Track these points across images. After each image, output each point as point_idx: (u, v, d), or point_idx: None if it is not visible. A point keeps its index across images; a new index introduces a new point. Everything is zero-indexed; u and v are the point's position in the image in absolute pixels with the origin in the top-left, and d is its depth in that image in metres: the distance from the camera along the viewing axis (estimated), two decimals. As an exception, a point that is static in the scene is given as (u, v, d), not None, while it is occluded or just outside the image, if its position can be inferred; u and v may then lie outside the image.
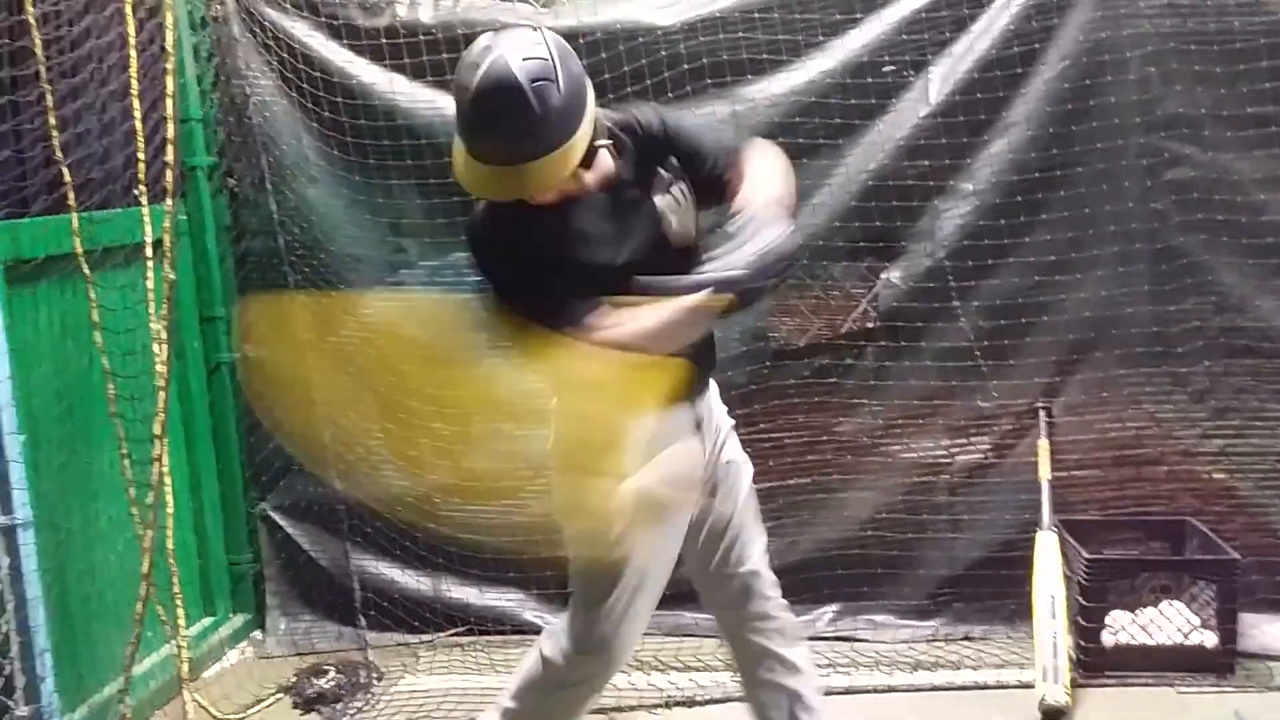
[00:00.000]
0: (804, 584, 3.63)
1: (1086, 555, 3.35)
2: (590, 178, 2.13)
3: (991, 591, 3.61)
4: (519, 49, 2.00)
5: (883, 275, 3.65)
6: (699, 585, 2.54)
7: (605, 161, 2.17)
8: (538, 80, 1.97)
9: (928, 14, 3.49)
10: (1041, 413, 3.54)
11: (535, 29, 2.08)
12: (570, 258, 2.18)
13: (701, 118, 2.32)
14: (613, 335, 2.10)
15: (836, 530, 3.72)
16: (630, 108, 2.30)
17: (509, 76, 1.97)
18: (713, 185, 2.24)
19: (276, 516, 4.05)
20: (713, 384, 2.46)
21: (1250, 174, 3.38)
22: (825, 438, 3.72)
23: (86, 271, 3.35)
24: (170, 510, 3.55)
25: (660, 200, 2.22)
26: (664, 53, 3.60)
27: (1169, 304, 3.47)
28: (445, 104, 3.70)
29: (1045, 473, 3.46)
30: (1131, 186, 3.45)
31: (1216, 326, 3.45)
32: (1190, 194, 3.42)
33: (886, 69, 3.55)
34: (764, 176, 2.21)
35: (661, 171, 2.23)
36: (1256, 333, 3.42)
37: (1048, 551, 3.36)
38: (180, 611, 3.61)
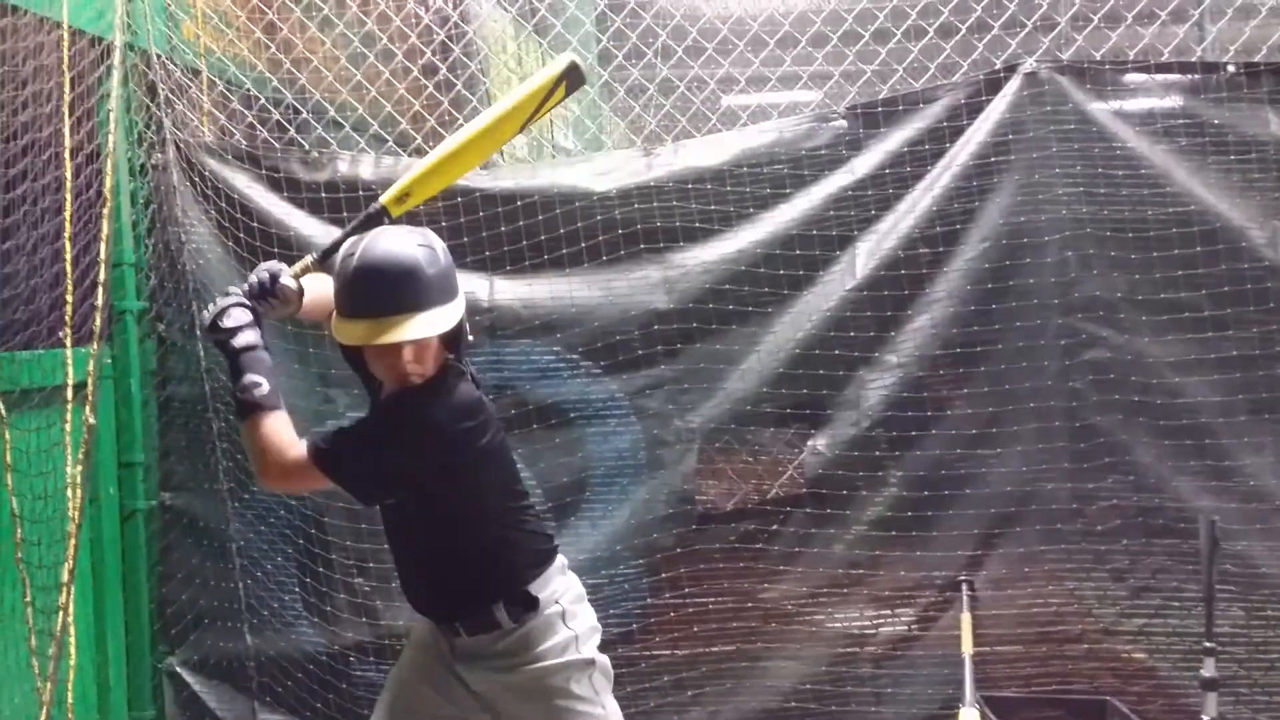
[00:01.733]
0: (726, 755, 3.61)
1: (1009, 734, 3.36)
2: (418, 366, 2.42)
3: (915, 767, 3.59)
4: (399, 237, 2.43)
5: (809, 443, 3.71)
6: None
7: (429, 361, 2.45)
8: (412, 256, 2.38)
9: (854, 192, 3.64)
10: (964, 586, 3.57)
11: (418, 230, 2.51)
12: None
13: (369, 438, 2.49)
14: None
15: (759, 700, 3.71)
16: (459, 397, 2.48)
17: (395, 246, 2.39)
18: None
19: (183, 671, 3.98)
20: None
21: (1164, 357, 3.51)
22: (750, 604, 3.73)
23: (2, 411, 3.33)
24: (73, 662, 3.47)
25: None
26: (599, 217, 3.73)
27: (1088, 481, 3.55)
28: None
29: (967, 647, 3.48)
30: (1050, 365, 3.57)
31: (1135, 505, 3.54)
32: (1107, 374, 3.54)
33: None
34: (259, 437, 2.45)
35: None
36: (1173, 513, 3.50)
37: (970, 728, 3.36)
38: (74, 773, 3.49)
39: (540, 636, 2.50)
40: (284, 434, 2.41)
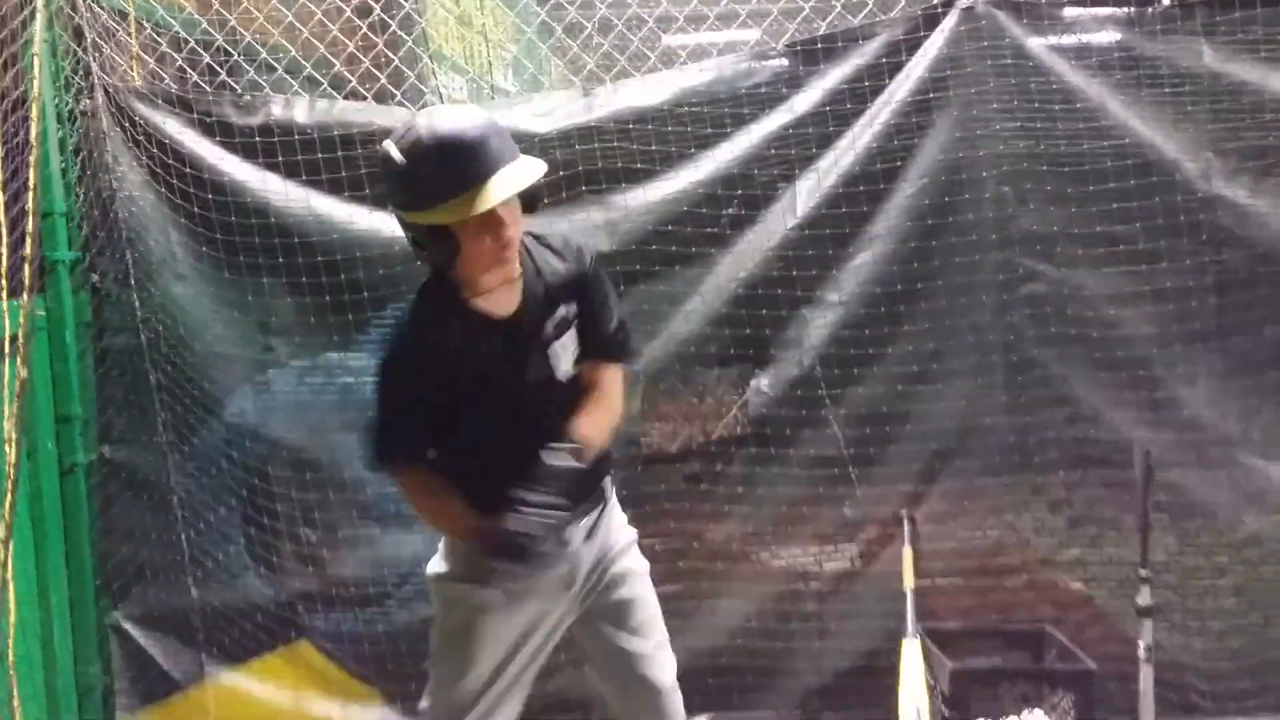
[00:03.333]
0: (673, 694, 3.67)
1: (950, 664, 3.45)
2: (516, 231, 2.35)
3: (859, 700, 3.69)
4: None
5: (753, 382, 3.77)
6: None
7: (521, 226, 2.39)
8: (480, 117, 2.35)
9: (794, 130, 3.66)
10: (905, 521, 3.65)
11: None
12: (470, 384, 2.43)
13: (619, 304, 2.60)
14: (404, 491, 2.55)
15: (706, 639, 3.77)
16: (574, 234, 2.59)
17: (456, 111, 2.37)
18: (580, 352, 2.52)
19: (128, 626, 3.97)
20: (612, 501, 2.68)
21: (1100, 290, 3.59)
22: (696, 544, 3.80)
23: (-66, 367, 3.32)
24: (13, 619, 3.48)
25: (556, 343, 2.48)
26: (541, 159, 3.71)
27: (1026, 415, 3.64)
28: (318, 204, 3.80)
29: (909, 581, 3.57)
30: (988, 300, 3.64)
31: (1071, 438, 3.63)
32: (1044, 309, 3.62)
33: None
34: (604, 414, 2.51)
35: (563, 310, 2.48)
36: (1109, 445, 3.60)
37: (912, 660, 3.45)
38: (19, 726, 3.51)
39: (618, 507, 2.75)
40: (610, 388, 2.57)
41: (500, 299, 2.42)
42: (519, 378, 2.45)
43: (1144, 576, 3.29)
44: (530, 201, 2.39)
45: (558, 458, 2.32)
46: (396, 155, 2.31)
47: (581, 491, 2.49)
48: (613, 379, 2.57)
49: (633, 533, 2.73)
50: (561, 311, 2.48)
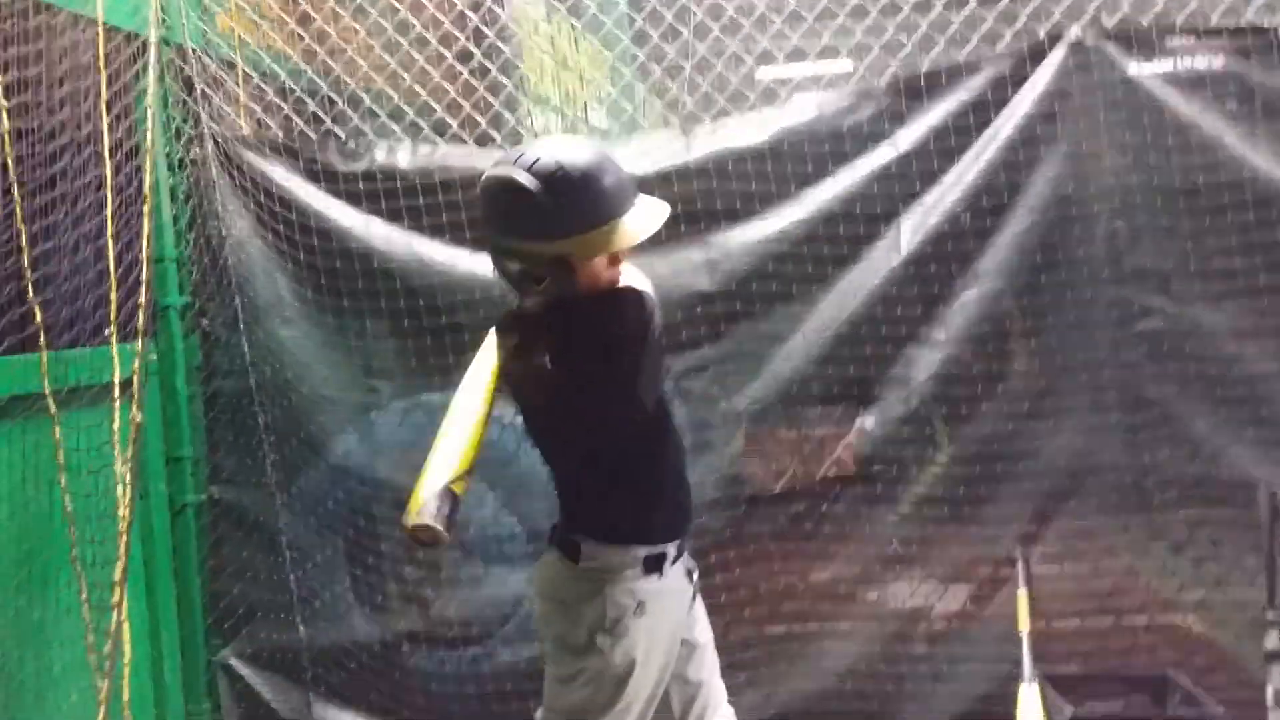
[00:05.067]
0: (781, 737, 3.64)
1: (1070, 710, 3.36)
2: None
3: (974, 746, 3.61)
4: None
5: (858, 421, 3.72)
6: None
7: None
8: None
9: (897, 166, 3.63)
10: (1020, 562, 3.58)
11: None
12: None
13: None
14: None
15: (814, 681, 3.74)
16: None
17: (583, 143, 2.52)
18: None
19: (237, 665, 4.04)
20: None
21: (1218, 326, 3.50)
22: (801, 585, 3.76)
23: (53, 411, 3.39)
24: (127, 659, 3.53)
25: None
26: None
27: (1143, 454, 3.56)
28: (420, 246, 3.84)
29: (1024, 623, 3.49)
30: (1102, 337, 3.57)
31: (1191, 476, 3.54)
32: (1161, 345, 3.54)
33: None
34: None
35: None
36: (1232, 483, 3.49)
37: (1030, 705, 3.37)
38: (134, 767, 3.56)
39: None
40: None
41: None
42: None
43: (1271, 619, 3.19)
44: None
45: None
46: (529, 183, 2.28)
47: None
48: None
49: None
50: None
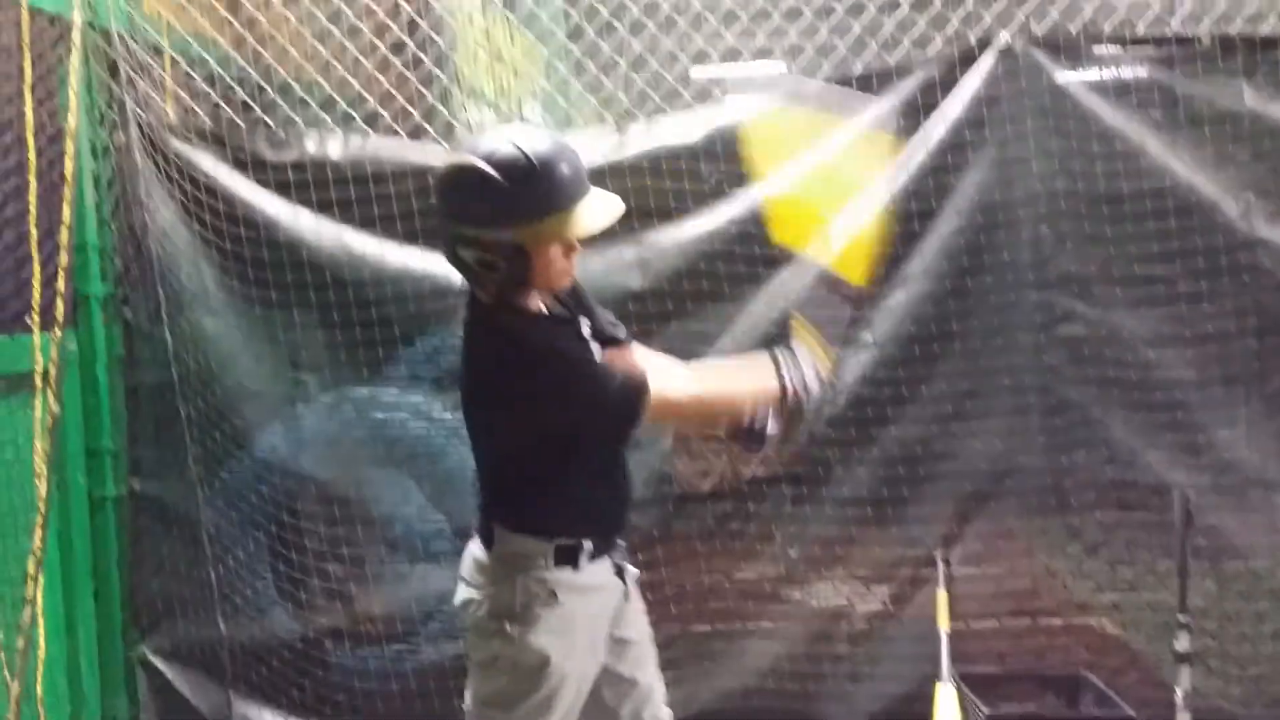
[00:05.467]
0: (705, 735, 3.66)
1: (985, 711, 3.41)
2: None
3: (891, 746, 3.66)
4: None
5: (785, 422, 3.74)
6: None
7: None
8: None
9: (828, 169, 3.65)
10: (940, 563, 3.63)
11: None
12: None
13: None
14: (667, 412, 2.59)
15: (737, 679, 3.76)
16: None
17: (543, 133, 2.47)
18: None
19: (156, 660, 4.00)
20: None
21: (1139, 332, 3.56)
22: (727, 584, 3.78)
23: (-33, 401, 3.34)
24: (42, 654, 3.48)
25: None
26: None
27: (1062, 456, 3.63)
28: (350, 239, 3.81)
29: (944, 623, 3.53)
30: (1025, 341, 3.63)
31: (1109, 480, 3.61)
32: (1082, 350, 3.60)
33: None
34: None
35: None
36: (1147, 487, 3.57)
37: (947, 705, 3.41)
38: (47, 764, 3.52)
39: None
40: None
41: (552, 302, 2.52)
42: None
43: (1182, 622, 3.26)
44: None
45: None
46: (489, 170, 2.28)
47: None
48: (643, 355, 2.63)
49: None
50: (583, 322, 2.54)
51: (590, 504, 2.52)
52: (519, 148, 2.29)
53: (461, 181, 2.34)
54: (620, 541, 2.61)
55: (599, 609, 2.55)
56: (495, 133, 2.39)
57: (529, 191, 2.29)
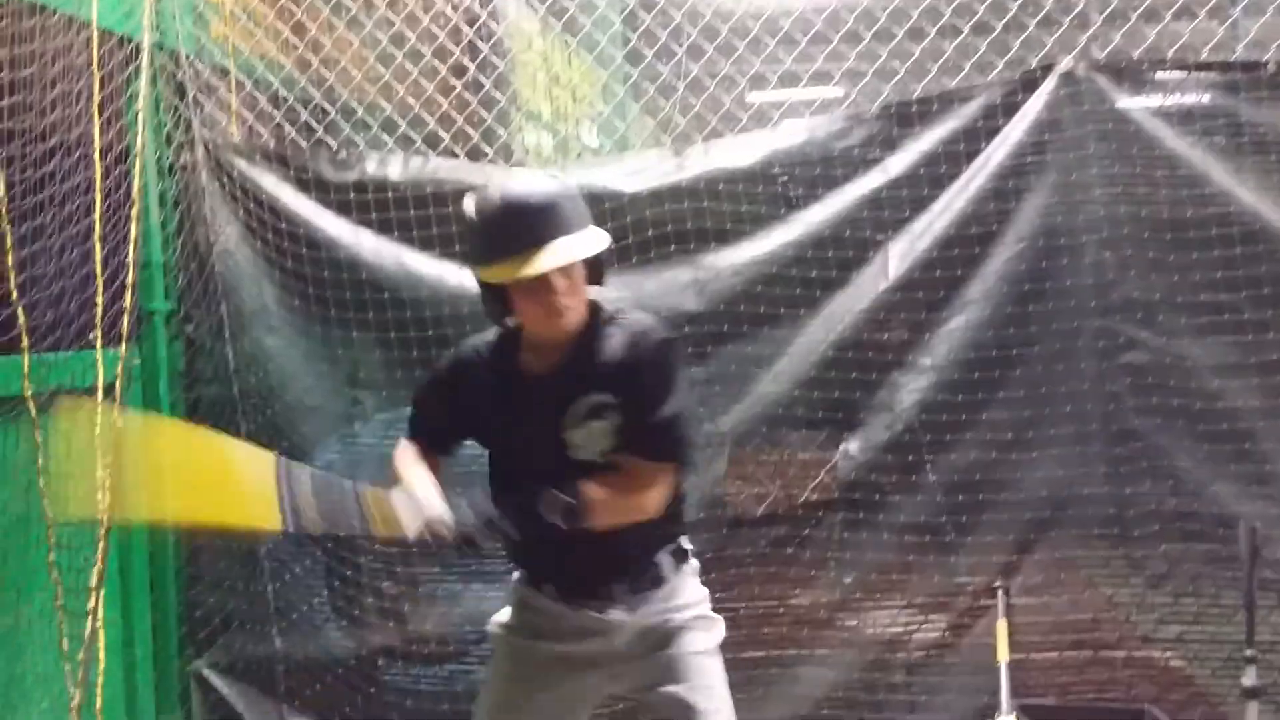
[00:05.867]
0: (758, 762, 3.64)
1: (1046, 742, 3.38)
2: (571, 300, 2.36)
3: (950, 778, 3.62)
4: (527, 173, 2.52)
5: (842, 446, 3.73)
6: None
7: (582, 296, 2.41)
8: (551, 186, 2.43)
9: (888, 192, 3.66)
10: (999, 592, 3.59)
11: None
12: (486, 420, 2.53)
13: (682, 402, 2.43)
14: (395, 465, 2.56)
15: (791, 707, 3.74)
16: (652, 318, 2.49)
17: (531, 176, 2.53)
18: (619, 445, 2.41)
19: (211, 675, 4.04)
20: (674, 582, 2.54)
21: (1204, 360, 3.52)
22: (781, 610, 3.77)
23: (33, 413, 3.40)
24: (101, 666, 3.53)
25: (585, 426, 2.41)
26: (629, 218, 3.75)
27: (1125, 486, 3.57)
28: (409, 259, 3.86)
29: (1003, 654, 3.48)
30: (1087, 368, 3.59)
31: (1173, 510, 3.55)
32: (1145, 378, 3.56)
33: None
34: (620, 493, 2.38)
35: (599, 397, 2.40)
36: (1212, 518, 3.51)
37: (1007, 737, 3.38)
38: (104, 776, 3.55)
39: (689, 585, 2.58)
40: (637, 482, 2.40)
41: (544, 358, 2.45)
42: (524, 439, 2.46)
43: (1250, 656, 3.20)
44: (595, 271, 2.42)
45: (548, 506, 2.31)
46: (470, 211, 2.42)
47: (619, 566, 2.48)
48: (646, 471, 2.40)
49: (704, 611, 2.60)
50: (597, 398, 2.40)
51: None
52: (493, 190, 2.39)
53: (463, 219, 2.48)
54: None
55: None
56: (505, 176, 2.55)
57: (491, 232, 2.36)
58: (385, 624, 3.94)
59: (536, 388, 2.45)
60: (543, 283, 2.32)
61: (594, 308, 2.44)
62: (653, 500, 2.40)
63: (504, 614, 2.64)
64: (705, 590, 2.60)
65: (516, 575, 2.62)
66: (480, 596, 3.88)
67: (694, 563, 2.61)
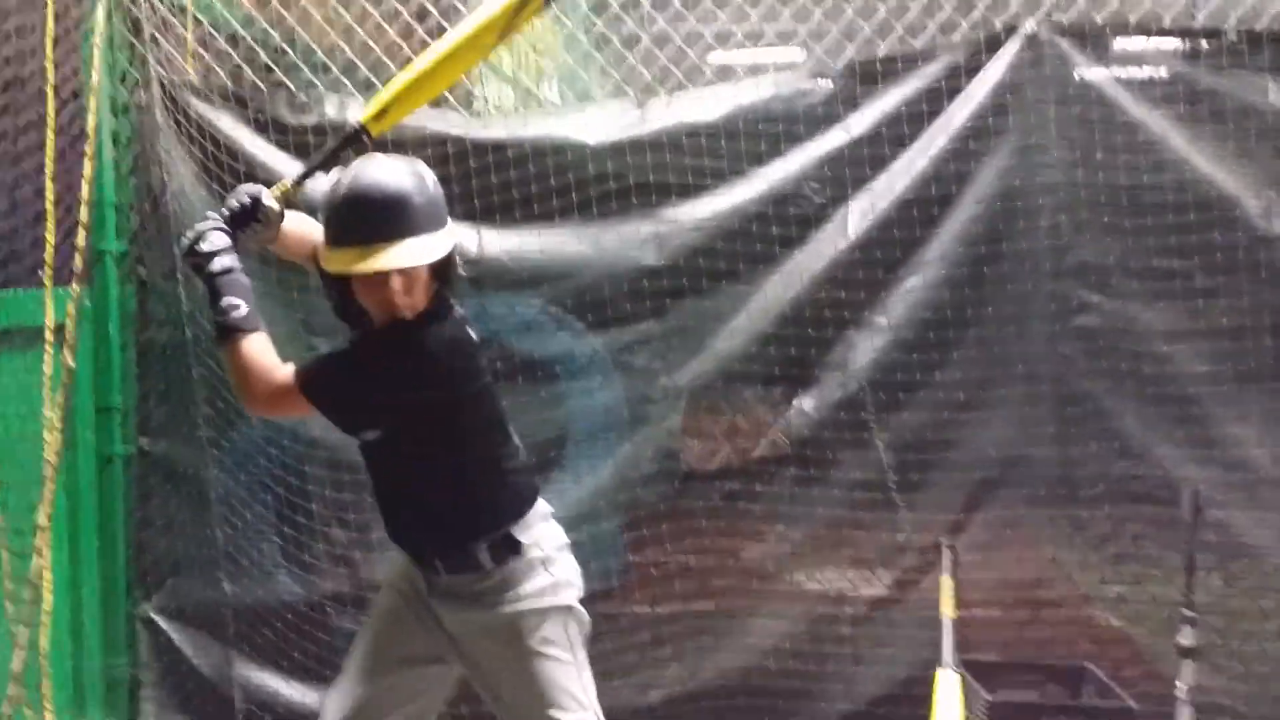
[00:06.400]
0: (704, 712, 3.70)
1: (987, 697, 3.44)
2: (406, 300, 2.46)
3: (891, 729, 3.68)
4: (388, 165, 2.51)
5: (795, 403, 3.77)
6: None
7: (420, 294, 2.49)
8: (408, 182, 2.46)
9: (849, 151, 3.67)
10: (946, 550, 3.64)
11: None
12: None
13: (348, 363, 2.60)
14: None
15: (739, 658, 3.79)
16: (452, 327, 2.57)
17: (387, 166, 2.49)
18: None
19: (159, 619, 4.03)
20: (500, 577, 2.59)
21: (1154, 325, 3.58)
22: (731, 562, 3.80)
23: (-17, 351, 3.38)
24: (47, 607, 3.52)
25: None
26: (591, 170, 3.75)
27: (1073, 448, 3.63)
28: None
29: (948, 610, 3.55)
30: (1040, 330, 3.64)
31: (1118, 473, 3.61)
32: (1096, 341, 3.61)
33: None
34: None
35: None
36: (1156, 481, 3.58)
37: (948, 691, 3.44)
38: (49, 717, 3.55)
39: (521, 579, 2.57)
40: (267, 357, 2.50)
41: None
42: None
43: (1188, 616, 3.27)
44: (443, 270, 2.50)
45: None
46: (326, 192, 2.49)
47: (435, 541, 2.59)
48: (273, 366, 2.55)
49: (536, 605, 2.60)
50: None
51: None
52: (349, 174, 2.47)
53: None
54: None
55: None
56: (365, 158, 2.53)
57: (333, 218, 2.45)
58: (336, 570, 3.95)
59: None
60: (380, 280, 2.39)
61: (435, 301, 2.51)
62: (249, 381, 2.52)
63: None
64: (549, 580, 2.59)
65: None
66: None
67: (536, 553, 2.59)
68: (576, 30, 4.07)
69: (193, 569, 4.01)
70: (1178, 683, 3.26)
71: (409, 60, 3.85)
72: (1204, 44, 3.55)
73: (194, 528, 4.00)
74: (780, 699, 3.77)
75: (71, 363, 3.63)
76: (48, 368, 3.60)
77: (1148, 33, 3.61)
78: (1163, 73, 3.62)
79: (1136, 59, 3.64)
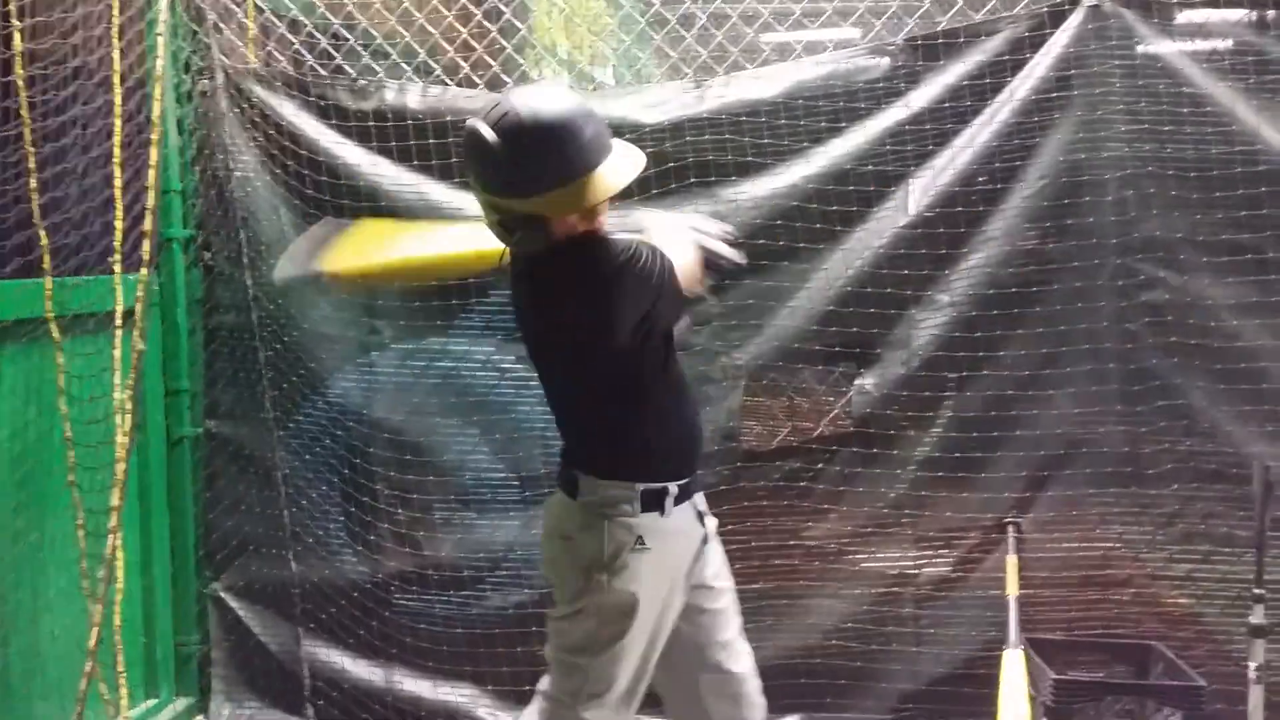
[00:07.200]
0: (765, 691, 3.69)
1: (1053, 676, 3.43)
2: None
3: (956, 708, 3.68)
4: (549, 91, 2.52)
5: (856, 382, 3.77)
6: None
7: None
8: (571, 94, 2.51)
9: (910, 126, 3.66)
10: (1010, 528, 3.63)
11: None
12: None
13: None
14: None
15: (800, 638, 3.80)
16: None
17: (553, 93, 2.48)
18: None
19: (228, 597, 4.12)
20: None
21: (1223, 300, 3.53)
22: (792, 542, 3.82)
23: (56, 336, 3.46)
24: (120, 586, 3.61)
25: None
26: (649, 149, 3.71)
27: (1140, 425, 3.60)
28: (428, 188, 3.88)
29: (1013, 589, 3.55)
30: (1106, 306, 3.60)
31: (1186, 450, 3.58)
32: (1164, 317, 3.57)
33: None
34: None
35: None
36: (1225, 458, 3.54)
37: (1014, 670, 3.43)
38: (123, 692, 3.65)
39: None
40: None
41: None
42: None
43: (1258, 595, 3.24)
44: None
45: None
46: (490, 136, 2.30)
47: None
48: None
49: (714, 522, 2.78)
50: None
51: (672, 447, 2.57)
52: (522, 118, 2.28)
53: (473, 148, 2.36)
54: (698, 488, 2.66)
55: (683, 553, 2.61)
56: (510, 95, 2.37)
57: (537, 163, 2.28)
58: (400, 550, 4.01)
59: None
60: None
61: None
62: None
63: None
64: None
65: (643, 503, 2.57)
66: (493, 525, 3.96)
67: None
68: (633, 10, 4.07)
69: (260, 548, 4.09)
70: (1249, 662, 3.23)
71: (466, 44, 3.91)
72: (1272, 13, 3.50)
73: (261, 507, 4.08)
74: (842, 679, 3.78)
75: (141, 346, 3.70)
76: (118, 352, 3.68)
77: (1215, 4, 3.55)
78: (1230, 44, 3.56)
79: (1202, 30, 3.59)
